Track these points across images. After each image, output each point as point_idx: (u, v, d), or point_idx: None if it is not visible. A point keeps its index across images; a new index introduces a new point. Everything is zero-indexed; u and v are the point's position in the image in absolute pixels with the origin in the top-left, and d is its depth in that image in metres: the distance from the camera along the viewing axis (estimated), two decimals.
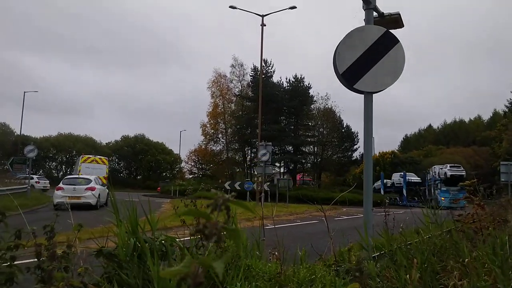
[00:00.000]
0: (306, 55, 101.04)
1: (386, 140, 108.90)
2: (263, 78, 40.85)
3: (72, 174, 31.33)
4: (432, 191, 39.75)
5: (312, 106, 55.60)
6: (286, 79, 55.62)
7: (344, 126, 58.47)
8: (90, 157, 32.98)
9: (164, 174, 73.17)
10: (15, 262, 2.27)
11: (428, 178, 41.97)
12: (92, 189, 20.42)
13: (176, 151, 70.87)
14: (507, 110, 56.89)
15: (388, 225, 4.07)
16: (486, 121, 74.37)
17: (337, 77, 4.87)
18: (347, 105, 70.30)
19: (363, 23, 4.96)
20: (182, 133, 66.36)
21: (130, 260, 2.61)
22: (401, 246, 3.39)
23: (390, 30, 4.82)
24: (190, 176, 63.26)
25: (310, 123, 55.81)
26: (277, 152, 53.33)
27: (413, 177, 44.76)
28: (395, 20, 5.25)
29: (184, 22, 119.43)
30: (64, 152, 69.77)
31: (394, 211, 6.05)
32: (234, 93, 56.29)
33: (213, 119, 56.40)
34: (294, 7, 31.72)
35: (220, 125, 56.77)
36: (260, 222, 3.88)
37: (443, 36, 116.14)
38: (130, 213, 2.83)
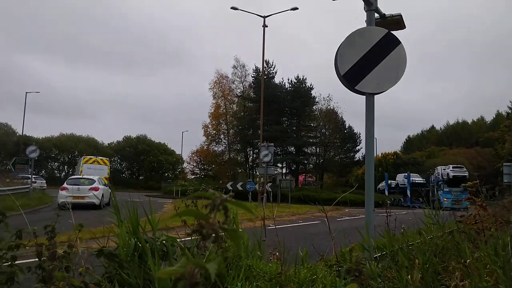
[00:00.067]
0: (308, 56, 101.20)
1: (389, 141, 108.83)
2: (265, 79, 40.87)
3: (74, 175, 31.46)
4: (435, 192, 39.66)
5: (314, 107, 55.60)
6: (288, 80, 55.82)
7: (347, 127, 58.47)
8: (91, 158, 33.14)
9: (166, 174, 73.20)
10: (16, 262, 2.28)
11: (432, 179, 41.87)
12: (96, 189, 20.82)
13: (178, 152, 70.96)
14: (510, 111, 56.80)
15: (390, 225, 4.06)
16: (489, 122, 74.28)
17: (339, 79, 4.86)
18: (349, 106, 70.18)
19: (364, 25, 4.96)
20: (184, 133, 66.55)
21: (131, 260, 2.61)
22: (402, 246, 3.38)
23: (391, 32, 4.81)
24: (192, 177, 63.24)
25: (312, 124, 55.78)
26: (279, 153, 53.37)
27: (417, 178, 44.60)
28: (397, 22, 5.24)
29: (186, 24, 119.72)
30: (66, 152, 69.88)
31: (396, 211, 6.06)
32: (236, 94, 56.31)
33: (215, 120, 56.42)
34: (295, 8, 31.73)
35: (222, 126, 56.80)
36: (262, 222, 3.88)
37: (449, 39, 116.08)
38: (131, 213, 2.84)
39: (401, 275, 2.73)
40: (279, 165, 54.14)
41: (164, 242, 2.79)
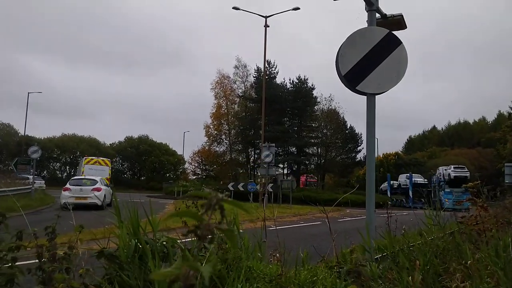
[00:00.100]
0: (309, 56, 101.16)
1: (390, 142, 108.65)
2: (266, 79, 40.86)
3: (76, 175, 31.59)
4: (437, 192, 39.57)
5: (315, 107, 55.52)
6: (290, 80, 55.72)
7: (348, 127, 58.39)
8: (93, 159, 33.31)
9: (167, 175, 73.24)
10: (17, 263, 2.28)
11: (434, 179, 41.76)
12: (98, 189, 21.05)
13: (179, 152, 70.94)
14: (511, 111, 56.64)
15: (391, 226, 4.05)
16: (490, 122, 74.13)
17: (340, 79, 4.86)
18: (350, 106, 70.05)
19: (366, 25, 4.95)
20: (186, 134, 66.46)
21: (131, 262, 2.61)
22: (403, 248, 3.38)
23: (393, 32, 4.81)
24: (194, 177, 63.32)
25: (313, 124, 55.73)
26: (280, 153, 53.35)
27: (420, 179, 44.46)
28: (398, 22, 5.24)
29: (187, 24, 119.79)
30: (68, 153, 69.93)
31: (397, 212, 6.04)
32: (238, 94, 56.33)
33: (216, 120, 56.44)
34: (297, 8, 31.71)
35: (224, 126, 56.80)
36: (263, 223, 3.87)
37: (450, 40, 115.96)
38: (131, 214, 2.84)
39: (402, 276, 2.72)
40: (281, 165, 54.16)
41: (164, 243, 2.79)
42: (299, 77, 55.01)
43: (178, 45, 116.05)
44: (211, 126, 56.89)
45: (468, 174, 37.48)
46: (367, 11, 4.95)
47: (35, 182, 27.76)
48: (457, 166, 40.38)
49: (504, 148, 49.20)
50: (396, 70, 4.66)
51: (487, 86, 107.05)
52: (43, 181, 41.14)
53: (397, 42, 4.69)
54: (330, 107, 54.89)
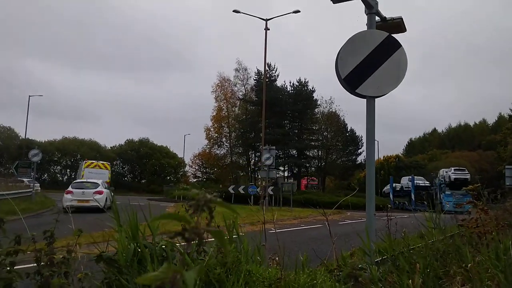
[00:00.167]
0: (309, 59, 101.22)
1: (391, 144, 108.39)
2: (267, 82, 40.88)
3: (77, 179, 31.67)
4: (439, 195, 39.45)
5: (316, 110, 55.56)
6: (290, 83, 55.72)
7: (348, 130, 58.40)
8: (93, 162, 33.46)
9: (168, 178, 73.16)
10: (15, 268, 2.27)
11: (436, 182, 41.64)
12: (100, 192, 21.35)
13: (180, 155, 70.85)
14: None
15: (391, 229, 4.04)
16: (491, 125, 74.13)
17: (339, 82, 4.86)
18: (351, 109, 70.05)
19: (365, 28, 4.96)
20: (186, 137, 66.42)
21: (130, 266, 2.60)
22: (403, 251, 3.36)
23: (392, 35, 4.81)
24: (194, 180, 63.24)
25: (314, 127, 55.76)
26: (281, 156, 53.31)
27: (422, 181, 44.29)
28: (398, 25, 5.24)
29: (188, 27, 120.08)
30: (68, 156, 69.86)
31: (398, 215, 6.03)
32: (238, 97, 56.38)
33: (217, 123, 56.47)
34: (297, 11, 31.79)
35: (224, 129, 56.83)
36: (262, 226, 3.86)
37: (449, 39, 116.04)
38: (130, 218, 2.83)
39: (402, 279, 2.71)
40: (281, 168, 54.16)
41: (163, 247, 2.78)
42: (300, 79, 55.10)
43: (179, 48, 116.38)
44: (212, 129, 56.98)
45: (468, 176, 37.41)
46: (366, 14, 4.95)
47: (35, 185, 27.74)
48: (457, 168, 40.30)
49: (505, 150, 49.17)
50: (395, 73, 4.66)
51: (487, 87, 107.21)
52: (38, 184, 41.05)
53: (397, 45, 4.69)
54: (331, 109, 55.02)
